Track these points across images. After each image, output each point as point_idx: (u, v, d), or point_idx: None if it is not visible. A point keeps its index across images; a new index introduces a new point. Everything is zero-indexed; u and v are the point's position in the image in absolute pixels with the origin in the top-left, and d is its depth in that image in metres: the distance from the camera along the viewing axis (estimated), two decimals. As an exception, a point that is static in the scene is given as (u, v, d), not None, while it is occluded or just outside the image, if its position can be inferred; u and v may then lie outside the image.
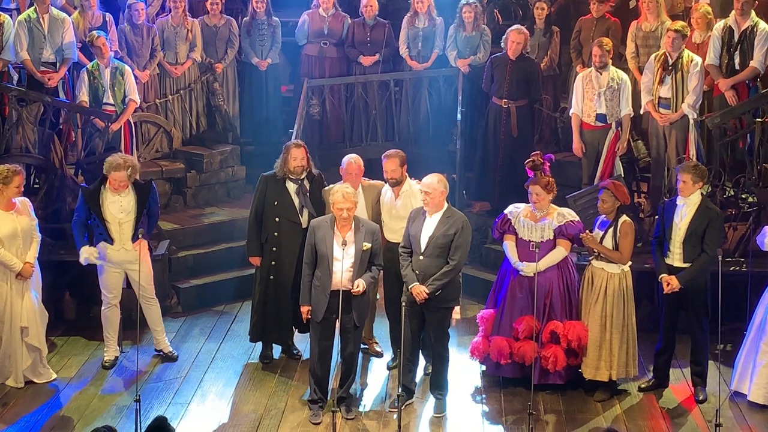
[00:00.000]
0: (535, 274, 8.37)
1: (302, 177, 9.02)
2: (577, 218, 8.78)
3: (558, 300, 8.65)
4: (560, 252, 8.64)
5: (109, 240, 8.94)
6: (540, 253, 8.54)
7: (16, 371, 8.82)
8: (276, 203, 9.01)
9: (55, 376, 9.00)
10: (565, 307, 8.70)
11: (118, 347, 9.31)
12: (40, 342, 8.86)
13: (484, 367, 9.09)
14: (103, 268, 9.07)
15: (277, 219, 9.03)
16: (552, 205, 8.77)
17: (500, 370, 8.87)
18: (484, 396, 8.83)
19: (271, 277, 9.14)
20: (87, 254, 8.97)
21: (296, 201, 9.01)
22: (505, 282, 8.83)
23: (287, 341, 9.45)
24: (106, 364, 9.22)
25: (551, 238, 8.65)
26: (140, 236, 8.71)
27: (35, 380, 8.90)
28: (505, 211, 8.91)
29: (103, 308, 9.18)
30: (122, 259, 9.03)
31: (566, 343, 8.56)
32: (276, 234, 9.05)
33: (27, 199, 8.94)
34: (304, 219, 9.01)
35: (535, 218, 8.72)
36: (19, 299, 8.73)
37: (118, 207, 8.95)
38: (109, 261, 9.02)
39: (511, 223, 8.79)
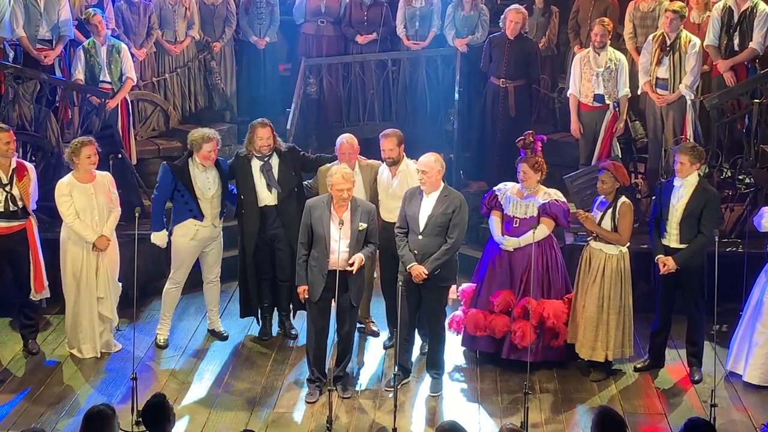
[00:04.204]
0: (532, 248, 8.38)
1: (269, 155, 9.02)
2: (564, 199, 8.84)
3: (535, 277, 8.67)
4: (542, 230, 8.65)
5: (200, 216, 8.99)
6: (522, 228, 8.60)
7: (93, 341, 8.99)
8: (240, 181, 9.08)
9: (120, 347, 9.11)
10: (541, 285, 8.73)
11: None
12: (112, 313, 9.03)
13: (460, 341, 9.12)
14: (184, 248, 9.10)
15: (242, 197, 9.10)
16: (541, 185, 8.80)
17: (475, 343, 8.93)
18: (479, 375, 8.85)
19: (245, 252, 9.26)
20: (158, 240, 9.14)
21: (257, 179, 9.02)
22: (487, 257, 8.89)
23: (275, 318, 9.51)
24: (163, 344, 9.27)
25: (534, 215, 8.69)
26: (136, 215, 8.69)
27: (104, 350, 9.06)
28: (494, 188, 8.97)
29: (168, 287, 9.24)
30: (209, 235, 9.11)
31: (537, 319, 8.58)
32: (243, 211, 9.13)
33: (109, 173, 9.07)
34: (272, 196, 9.05)
35: (521, 195, 8.77)
36: (94, 270, 8.88)
37: (206, 183, 9.01)
38: (195, 239, 9.07)
39: (498, 199, 8.84)
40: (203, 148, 8.90)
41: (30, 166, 9.01)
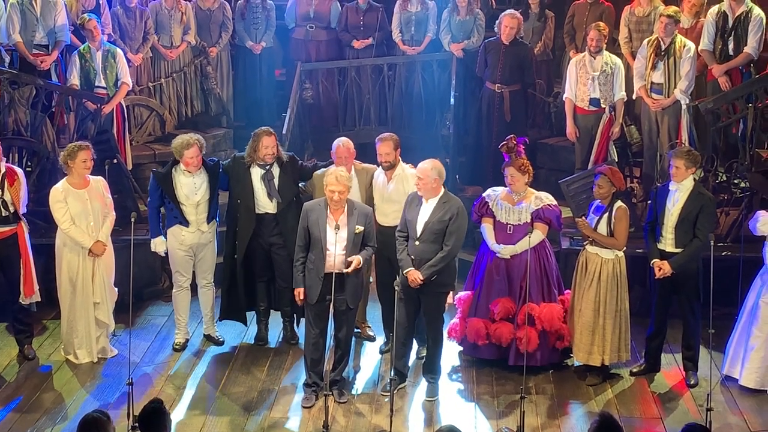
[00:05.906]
0: (528, 253, 8.38)
1: (271, 163, 9.01)
2: (555, 202, 8.85)
3: (534, 283, 8.68)
4: (537, 235, 8.66)
5: (185, 222, 9.01)
6: (516, 235, 8.59)
7: (89, 346, 9.01)
8: (237, 185, 9.06)
9: (116, 352, 9.14)
10: (541, 290, 8.74)
11: (188, 330, 9.44)
12: (108, 318, 9.07)
13: (461, 348, 9.12)
14: (176, 251, 9.12)
15: (238, 201, 9.08)
16: (529, 188, 8.82)
17: (477, 351, 8.93)
18: (476, 378, 8.85)
19: (235, 256, 9.20)
20: (158, 246, 9.14)
21: (257, 187, 9.01)
22: (483, 264, 8.89)
23: (259, 320, 9.51)
24: (177, 346, 9.32)
25: (528, 221, 8.69)
26: (132, 219, 8.66)
27: (100, 355, 9.08)
28: (483, 194, 8.98)
29: (174, 291, 9.31)
30: (197, 241, 9.12)
31: (541, 324, 8.60)
32: (237, 215, 9.11)
33: (102, 178, 9.09)
34: (272, 205, 9.03)
35: (512, 201, 8.77)
36: (90, 275, 8.90)
37: (192, 188, 8.99)
38: (183, 244, 9.08)
39: (489, 206, 8.84)
40: (184, 154, 8.89)
41: (19, 170, 9.00)
